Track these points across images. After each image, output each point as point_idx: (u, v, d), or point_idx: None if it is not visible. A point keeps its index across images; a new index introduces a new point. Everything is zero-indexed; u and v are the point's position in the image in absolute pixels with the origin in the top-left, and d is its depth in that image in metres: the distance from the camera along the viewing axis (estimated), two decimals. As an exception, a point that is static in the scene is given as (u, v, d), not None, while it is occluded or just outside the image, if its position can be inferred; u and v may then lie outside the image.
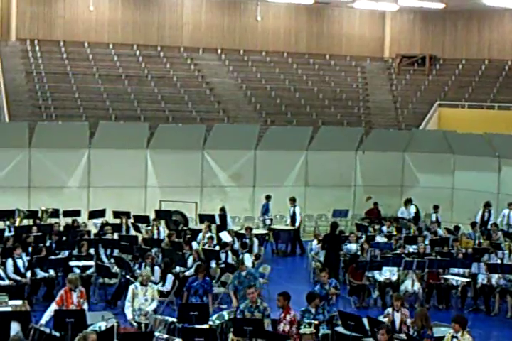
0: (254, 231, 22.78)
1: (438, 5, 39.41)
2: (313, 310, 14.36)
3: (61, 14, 37.50)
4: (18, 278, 17.42)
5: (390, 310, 14.35)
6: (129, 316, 14.50)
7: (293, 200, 25.07)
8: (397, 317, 14.09)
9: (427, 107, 37.08)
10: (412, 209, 26.28)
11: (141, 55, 38.05)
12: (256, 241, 21.37)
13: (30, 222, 22.47)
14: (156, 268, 17.67)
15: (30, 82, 33.89)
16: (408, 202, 26.44)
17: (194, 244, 20.13)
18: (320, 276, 16.07)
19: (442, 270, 18.93)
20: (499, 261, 19.48)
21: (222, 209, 23.96)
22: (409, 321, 14.11)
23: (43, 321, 14.02)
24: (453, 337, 12.50)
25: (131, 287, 14.82)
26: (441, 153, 27.77)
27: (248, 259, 19.16)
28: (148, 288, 14.77)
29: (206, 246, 20.06)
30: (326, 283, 15.68)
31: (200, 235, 21.07)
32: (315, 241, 21.76)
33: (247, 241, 20.85)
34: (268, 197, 25.63)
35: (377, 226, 23.52)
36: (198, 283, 15.61)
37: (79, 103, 32.96)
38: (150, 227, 21.95)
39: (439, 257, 19.51)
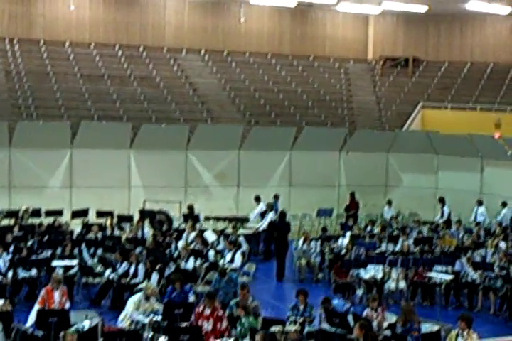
0: (242, 231, 22.87)
1: (421, 8, 39.57)
2: (301, 307, 14.36)
3: (41, 13, 37.29)
4: (-1, 278, 17.24)
5: (368, 310, 14.36)
6: (146, 319, 14.05)
7: (270, 206, 24.87)
8: (375, 317, 14.14)
9: (410, 108, 37.17)
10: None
11: (124, 55, 37.90)
12: (241, 241, 21.26)
13: (11, 222, 22.28)
14: (140, 266, 17.53)
15: (9, 82, 33.62)
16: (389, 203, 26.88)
17: (180, 244, 20.09)
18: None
19: (426, 268, 18.92)
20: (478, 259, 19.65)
21: (190, 208, 23.90)
22: (394, 319, 14.14)
23: (28, 324, 13.88)
24: (457, 335, 12.43)
25: (136, 298, 14.53)
26: (424, 154, 27.82)
27: (239, 258, 19.10)
28: (151, 302, 14.55)
29: (193, 245, 19.98)
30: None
31: (185, 235, 20.97)
32: (300, 240, 21.71)
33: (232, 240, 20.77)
34: (276, 197, 25.55)
35: (361, 225, 23.63)
36: (177, 294, 15.41)
37: (60, 103, 32.74)
38: (133, 227, 21.81)
39: (429, 255, 19.57)
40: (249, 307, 13.77)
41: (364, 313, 14.45)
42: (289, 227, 22.11)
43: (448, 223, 24.90)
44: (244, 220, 24.32)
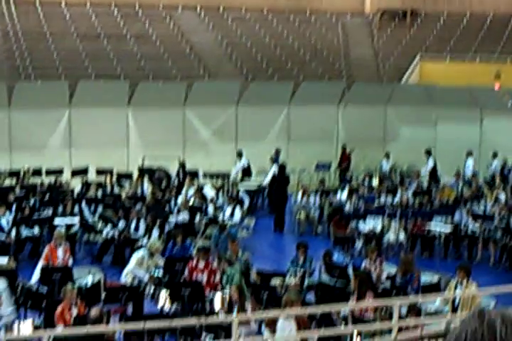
0: (245, 186, 23.20)
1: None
2: (301, 260, 14.54)
3: (36, -28, 36.98)
4: (3, 237, 17.39)
5: (366, 262, 14.49)
6: (146, 276, 14.27)
7: (272, 160, 24.95)
8: (373, 268, 14.26)
9: (408, 61, 36.97)
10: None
11: (120, 13, 37.63)
12: (243, 196, 21.36)
13: (13, 182, 22.42)
14: (141, 222, 17.69)
15: (7, 43, 33.49)
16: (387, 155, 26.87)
17: (179, 199, 20.23)
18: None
19: (426, 219, 19.06)
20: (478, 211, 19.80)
21: (182, 165, 23.99)
22: (393, 270, 14.32)
23: (33, 281, 14.06)
24: (457, 285, 12.56)
25: (139, 255, 14.69)
26: (423, 106, 27.77)
27: (238, 213, 19.25)
28: (155, 259, 14.72)
29: (192, 200, 20.13)
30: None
31: (184, 191, 21.12)
32: (299, 194, 21.84)
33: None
34: (277, 151, 25.61)
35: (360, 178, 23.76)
36: (178, 249, 15.59)
37: (57, 63, 32.63)
38: (132, 184, 21.95)
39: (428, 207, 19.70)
40: (232, 258, 14.11)
41: (362, 265, 14.62)
42: (288, 180, 22.45)
43: (433, 175, 25.03)
44: (225, 176, 24.23)
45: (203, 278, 13.62)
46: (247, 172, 25.06)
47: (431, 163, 25.89)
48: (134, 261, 14.72)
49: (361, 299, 12.26)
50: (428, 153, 26.14)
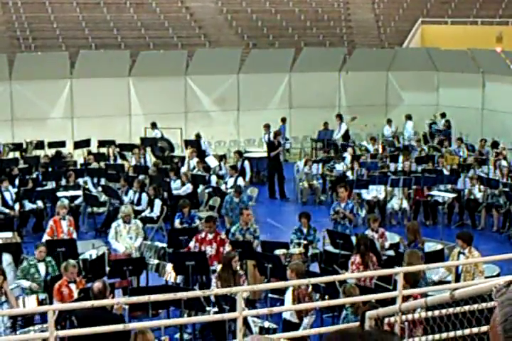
0: (252, 155, 23.25)
1: None
2: (304, 230, 14.52)
3: None
4: (7, 210, 17.43)
5: (369, 231, 14.45)
6: (122, 249, 14.22)
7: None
8: (376, 237, 14.26)
9: (409, 25, 36.69)
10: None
11: (118, -19, 37.28)
12: (247, 165, 21.25)
13: (16, 154, 22.41)
14: (144, 194, 17.69)
15: (6, 13, 33.25)
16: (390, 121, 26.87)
17: (182, 170, 20.18)
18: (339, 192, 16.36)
19: (429, 186, 19.02)
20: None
21: (197, 136, 23.92)
22: (397, 239, 14.35)
23: None
24: (460, 253, 12.52)
25: (114, 224, 14.59)
26: (425, 71, 27.67)
27: (241, 183, 19.24)
28: (132, 225, 14.52)
29: (195, 171, 20.11)
30: (344, 200, 15.88)
31: (186, 161, 21.09)
32: (301, 163, 21.79)
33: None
34: (283, 120, 25.47)
35: (362, 147, 23.65)
36: (185, 221, 15.58)
37: (58, 33, 32.42)
38: (135, 154, 21.90)
39: (426, 174, 19.60)
40: None
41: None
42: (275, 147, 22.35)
43: (345, 139, 25.56)
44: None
45: (212, 249, 13.42)
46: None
47: (344, 127, 26.13)
48: (112, 232, 14.57)
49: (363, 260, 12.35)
50: (339, 117, 26.28)
